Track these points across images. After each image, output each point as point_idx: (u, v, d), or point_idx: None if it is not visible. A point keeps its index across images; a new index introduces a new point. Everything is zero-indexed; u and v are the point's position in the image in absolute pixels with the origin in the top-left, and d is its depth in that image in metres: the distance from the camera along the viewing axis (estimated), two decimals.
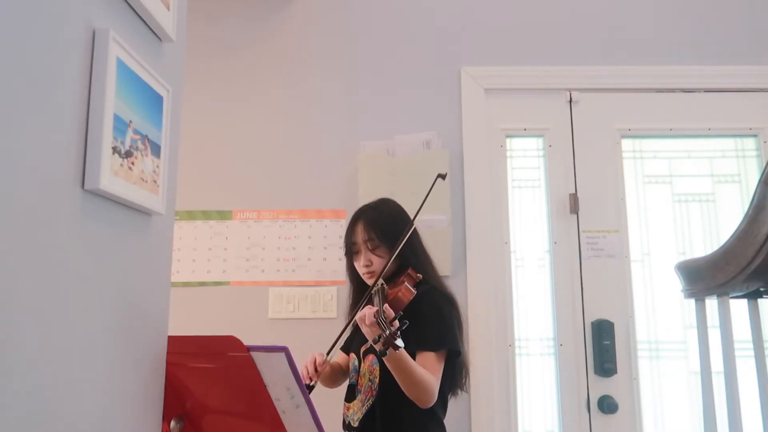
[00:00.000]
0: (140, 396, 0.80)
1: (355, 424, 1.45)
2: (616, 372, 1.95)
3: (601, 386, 1.96)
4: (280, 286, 2.03)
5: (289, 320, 2.00)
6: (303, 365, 1.45)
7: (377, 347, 1.23)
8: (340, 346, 1.67)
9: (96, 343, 0.69)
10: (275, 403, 0.86)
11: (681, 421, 1.96)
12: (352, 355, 1.56)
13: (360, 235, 1.53)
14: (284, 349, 0.81)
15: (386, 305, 1.31)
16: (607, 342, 1.96)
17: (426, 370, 1.34)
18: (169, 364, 0.88)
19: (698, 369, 1.30)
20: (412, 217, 1.53)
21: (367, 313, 1.29)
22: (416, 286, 1.47)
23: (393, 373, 1.31)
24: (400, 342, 1.21)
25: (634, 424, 1.94)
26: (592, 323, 1.99)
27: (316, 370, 1.42)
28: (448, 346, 1.42)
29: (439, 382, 1.37)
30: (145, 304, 0.83)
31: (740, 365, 1.16)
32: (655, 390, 1.98)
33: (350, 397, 1.51)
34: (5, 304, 0.54)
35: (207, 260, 2.05)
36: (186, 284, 2.03)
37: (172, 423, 0.89)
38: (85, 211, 0.67)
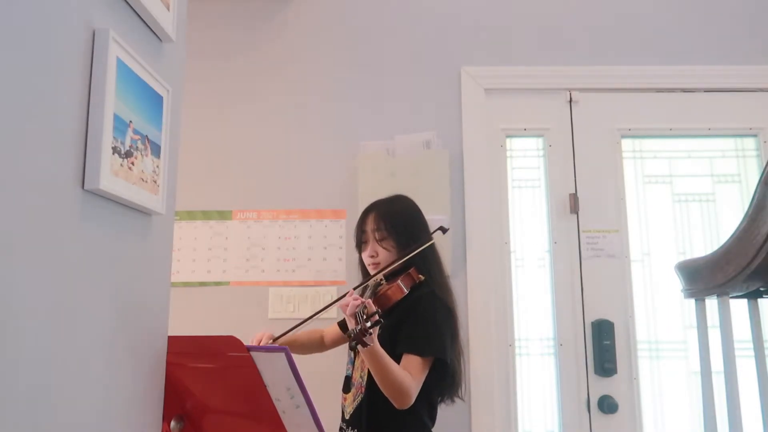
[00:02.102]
0: (140, 396, 0.80)
1: (347, 417, 1.48)
2: (616, 372, 1.95)
3: (601, 386, 1.96)
4: (280, 286, 2.03)
5: (289, 320, 1.99)
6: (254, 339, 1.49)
7: (350, 340, 1.21)
8: (339, 321, 1.67)
9: (96, 342, 0.69)
10: (275, 403, 0.86)
11: (681, 421, 1.96)
12: None
13: (369, 224, 1.54)
14: (284, 349, 0.82)
15: (370, 300, 1.29)
16: (607, 342, 1.96)
17: (405, 372, 1.32)
18: (169, 364, 0.88)
19: (698, 369, 1.30)
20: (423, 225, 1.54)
21: (350, 302, 1.28)
22: (415, 287, 1.46)
23: (369, 367, 1.30)
24: (369, 340, 1.18)
25: (634, 424, 1.94)
26: (592, 323, 1.99)
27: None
28: (434, 354, 1.39)
29: (420, 386, 1.35)
30: (145, 304, 0.83)
31: (740, 365, 1.16)
32: (655, 390, 1.98)
33: (346, 388, 1.51)
34: (5, 304, 0.54)
35: (207, 260, 2.05)
36: (186, 284, 2.03)
37: (172, 423, 0.89)
38: (85, 211, 0.67)
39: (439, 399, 1.50)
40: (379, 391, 1.34)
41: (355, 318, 1.23)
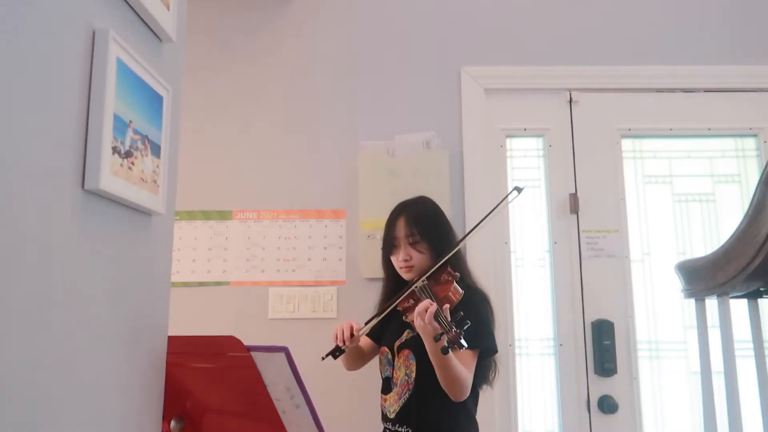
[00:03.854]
0: (140, 396, 0.80)
1: (392, 416, 1.50)
2: (616, 372, 1.95)
3: (601, 386, 1.96)
4: (280, 286, 2.03)
5: (289, 320, 2.00)
6: (337, 328, 1.47)
7: (438, 345, 1.24)
8: (367, 332, 1.67)
9: (96, 343, 0.69)
10: (275, 403, 0.86)
11: (681, 421, 1.96)
12: (384, 348, 1.58)
13: (401, 230, 1.55)
14: (284, 349, 0.82)
15: (445, 306, 1.31)
16: (607, 342, 1.96)
17: (462, 365, 1.37)
18: (169, 364, 0.88)
19: (698, 369, 1.30)
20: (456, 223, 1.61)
21: (428, 309, 1.28)
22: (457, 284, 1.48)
23: (435, 366, 1.34)
24: (464, 342, 1.22)
25: (634, 424, 1.94)
26: (592, 323, 1.99)
27: (352, 335, 1.45)
28: (484, 345, 1.44)
29: (472, 377, 1.40)
30: (145, 304, 0.83)
31: (740, 365, 1.16)
32: (655, 390, 1.98)
33: (386, 389, 1.55)
34: (5, 304, 0.54)
35: (207, 260, 2.05)
36: (186, 284, 2.03)
37: (172, 423, 0.89)
38: (85, 211, 0.67)
39: (481, 387, 1.54)
40: (428, 386, 1.40)
41: (439, 324, 1.25)
